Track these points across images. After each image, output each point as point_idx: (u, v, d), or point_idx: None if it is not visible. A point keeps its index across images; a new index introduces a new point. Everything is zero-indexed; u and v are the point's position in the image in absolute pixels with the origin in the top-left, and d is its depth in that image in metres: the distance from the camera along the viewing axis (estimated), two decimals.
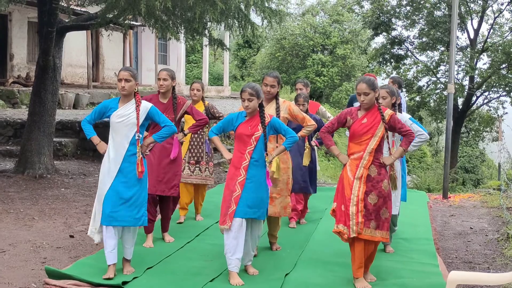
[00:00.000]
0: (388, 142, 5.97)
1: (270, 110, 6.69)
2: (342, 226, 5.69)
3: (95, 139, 5.95)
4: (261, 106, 5.99)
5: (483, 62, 26.37)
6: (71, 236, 7.27)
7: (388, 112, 5.78)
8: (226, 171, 12.65)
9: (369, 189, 5.68)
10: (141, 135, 5.84)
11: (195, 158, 8.19)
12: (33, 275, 5.80)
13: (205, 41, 13.62)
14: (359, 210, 5.63)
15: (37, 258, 6.38)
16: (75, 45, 22.36)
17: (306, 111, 7.98)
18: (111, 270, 5.73)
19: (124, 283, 5.53)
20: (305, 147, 7.95)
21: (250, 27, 11.11)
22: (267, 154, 5.99)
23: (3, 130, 14.46)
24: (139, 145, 5.82)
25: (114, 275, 5.72)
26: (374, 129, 5.71)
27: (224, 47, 13.24)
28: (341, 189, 5.79)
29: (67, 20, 12.74)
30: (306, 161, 8.06)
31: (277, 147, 6.44)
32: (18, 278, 5.69)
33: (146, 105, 5.92)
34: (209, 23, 11.33)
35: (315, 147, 8.33)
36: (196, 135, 8.14)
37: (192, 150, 8.18)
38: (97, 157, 12.99)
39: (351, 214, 5.64)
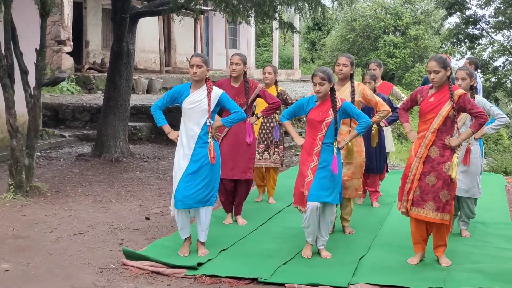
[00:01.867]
0: (457, 125, 5.80)
1: (344, 93, 6.64)
2: (399, 203, 5.86)
3: (166, 128, 6.06)
4: (332, 90, 5.95)
5: None
6: (147, 218, 7.43)
7: (458, 92, 5.65)
8: (297, 155, 12.66)
9: (428, 170, 5.66)
10: (212, 121, 5.90)
11: (265, 142, 8.23)
12: (111, 255, 5.97)
13: (275, 24, 13.59)
14: (412, 188, 5.69)
15: (114, 239, 6.55)
16: (147, 31, 22.71)
17: (374, 91, 7.88)
18: (186, 247, 5.92)
19: (199, 264, 5.62)
20: (373, 128, 7.86)
21: (320, 9, 11.02)
22: (337, 141, 5.95)
23: (80, 115, 14.89)
24: (211, 131, 5.88)
25: (189, 252, 5.90)
26: (439, 108, 5.62)
27: (294, 30, 13.16)
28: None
29: (139, 6, 12.97)
30: (374, 142, 7.98)
31: (349, 131, 6.39)
32: (97, 258, 5.86)
33: (217, 92, 5.97)
34: (279, 6, 11.30)
35: (384, 127, 8.25)
36: (266, 119, 8.16)
37: (262, 134, 8.22)
38: (170, 140, 13.17)
39: (405, 191, 5.76)
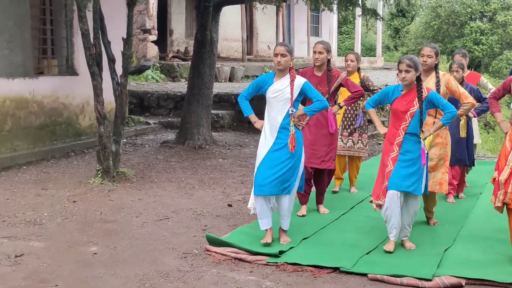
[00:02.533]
0: None
1: (429, 83, 6.48)
2: (493, 197, 5.57)
3: (252, 117, 6.10)
4: (418, 79, 5.82)
5: None
6: (229, 205, 7.51)
7: None
8: (379, 144, 12.48)
9: None
10: (294, 110, 5.88)
11: (348, 130, 8.15)
12: (194, 241, 6.06)
13: (358, 11, 13.42)
14: (510, 182, 5.41)
15: (198, 225, 6.65)
16: (230, 19, 22.87)
17: (462, 80, 7.65)
18: (268, 235, 5.92)
19: (281, 252, 5.64)
20: (461, 118, 7.63)
21: None
22: (422, 131, 5.82)
23: (164, 103, 15.18)
24: (293, 119, 5.86)
25: (272, 240, 5.90)
26: None
27: (378, 17, 12.95)
28: (498, 159, 5.61)
29: None
30: (463, 133, 7.76)
31: (434, 122, 6.25)
32: (181, 244, 5.97)
33: (300, 80, 5.95)
34: None
35: (473, 118, 8.01)
36: (349, 108, 8.08)
37: (345, 122, 8.15)
38: (252, 128, 13.28)
39: (500, 184, 5.47)
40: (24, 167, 9.38)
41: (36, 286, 4.82)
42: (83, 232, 6.28)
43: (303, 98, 6.08)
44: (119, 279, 5.01)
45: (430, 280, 5.04)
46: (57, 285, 4.83)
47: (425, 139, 5.93)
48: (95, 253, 5.63)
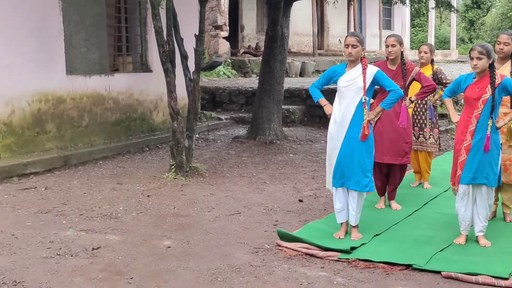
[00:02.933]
0: None
1: (504, 71, 6.31)
2: None
3: (322, 101, 6.08)
4: (491, 66, 5.68)
5: None
6: (300, 201, 7.51)
7: None
8: (453, 138, 12.20)
9: None
10: (367, 98, 5.82)
11: (419, 125, 8.02)
12: (266, 236, 6.10)
13: (432, 3, 13.14)
14: None
15: (269, 220, 6.68)
16: (300, 14, 22.83)
17: None
18: (342, 229, 5.93)
19: (352, 248, 5.60)
20: None
21: None
22: (496, 121, 5.68)
23: (236, 98, 15.31)
24: (366, 108, 5.81)
25: (345, 235, 5.89)
26: None
27: (452, 9, 12.68)
28: None
29: None
30: None
31: (510, 112, 6.07)
32: (252, 238, 6.02)
33: (372, 69, 5.88)
34: None
35: None
36: (419, 102, 7.94)
37: (416, 117, 8.02)
38: (323, 123, 13.25)
39: None
40: (101, 162, 9.64)
41: (112, 278, 4.95)
42: (157, 226, 6.41)
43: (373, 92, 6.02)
44: (191, 272, 5.10)
45: (507, 278, 4.90)
46: (132, 278, 4.95)
47: (499, 128, 5.79)
48: (168, 247, 5.74)
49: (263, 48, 12.67)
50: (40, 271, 5.06)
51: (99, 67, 10.36)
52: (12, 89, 8.85)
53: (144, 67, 11.72)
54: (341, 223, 6.00)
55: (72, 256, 5.44)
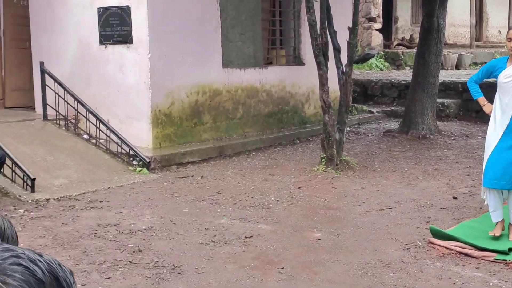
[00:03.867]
0: None
1: None
2: None
3: (481, 100, 5.88)
4: None
5: None
6: (454, 198, 7.27)
7: None
8: None
9: None
10: None
11: None
12: (417, 233, 5.97)
13: None
14: None
15: (421, 217, 6.54)
16: (457, 4, 22.02)
17: None
18: (498, 227, 5.70)
19: (510, 249, 5.35)
20: None
21: None
22: None
23: (388, 91, 15.08)
24: None
25: (501, 233, 5.67)
26: None
27: None
28: None
29: None
30: None
31: None
32: (403, 235, 5.92)
33: None
34: None
35: None
36: None
37: None
38: (480, 118, 12.72)
39: None
40: (253, 153, 9.89)
41: (264, 267, 5.08)
42: (308, 217, 6.48)
43: None
44: (341, 266, 5.11)
45: None
46: (283, 268, 5.05)
47: None
48: (318, 239, 5.78)
49: (417, 40, 12.38)
50: (196, 257, 5.29)
51: (253, 60, 10.62)
52: (172, 82, 9.29)
53: (297, 60, 11.85)
54: (496, 222, 5.75)
55: (226, 243, 5.64)
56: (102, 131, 9.00)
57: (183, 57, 9.43)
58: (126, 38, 9.12)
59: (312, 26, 8.52)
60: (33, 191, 7.30)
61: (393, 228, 6.14)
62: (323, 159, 8.64)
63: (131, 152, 8.74)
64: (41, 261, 0.90)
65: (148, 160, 8.56)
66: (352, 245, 5.62)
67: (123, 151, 8.83)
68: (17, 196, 7.20)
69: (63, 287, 0.91)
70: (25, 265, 0.88)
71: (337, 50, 8.89)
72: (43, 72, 9.30)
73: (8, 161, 7.23)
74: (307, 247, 5.57)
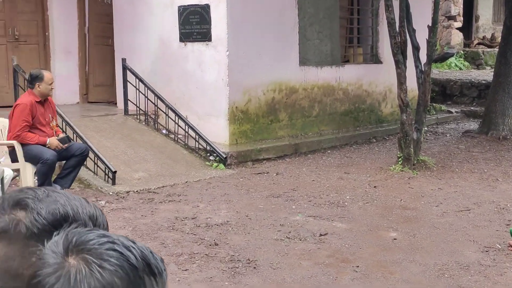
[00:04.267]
0: None
1: None
2: None
3: None
4: None
5: None
6: None
7: None
8: None
9: None
10: None
11: None
12: (497, 235, 5.84)
13: None
14: None
15: (501, 219, 6.38)
16: None
17: None
18: None
19: None
20: None
21: None
22: None
23: (467, 91, 14.75)
24: None
25: None
26: None
27: None
28: None
29: None
30: None
31: None
32: (482, 237, 5.80)
33: None
34: None
35: None
36: None
37: None
38: None
39: None
40: (328, 151, 9.88)
41: (338, 265, 5.09)
42: (383, 217, 6.44)
43: None
44: (418, 266, 5.06)
45: None
46: (358, 266, 5.04)
47: None
48: (394, 239, 5.74)
49: (499, 39, 12.08)
50: (271, 252, 5.34)
51: (330, 58, 10.60)
52: (249, 79, 9.38)
53: (374, 58, 11.75)
54: None
55: (300, 240, 5.68)
56: (180, 127, 9.20)
57: (261, 54, 9.51)
58: (205, 36, 9.27)
59: (391, 24, 8.44)
60: (114, 183, 7.54)
61: (471, 230, 6.03)
62: (400, 159, 8.54)
63: (208, 147, 8.89)
64: (134, 248, 0.95)
65: (224, 156, 8.69)
66: (428, 246, 5.55)
67: (200, 146, 9.00)
68: (99, 188, 7.46)
69: (154, 274, 0.94)
70: (120, 250, 0.93)
71: (416, 48, 8.78)
72: (125, 68, 9.57)
73: (90, 154, 7.48)
74: (383, 246, 5.54)
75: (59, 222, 1.15)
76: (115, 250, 0.92)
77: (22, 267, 1.15)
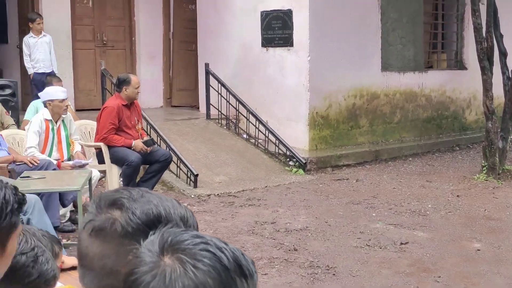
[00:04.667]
0: None
1: None
2: None
3: None
4: None
5: None
6: None
7: None
8: None
9: None
10: None
11: None
12: None
13: None
14: None
15: None
16: None
17: None
18: None
19: None
20: None
21: None
22: None
23: None
24: None
25: None
26: None
27: None
28: None
29: None
30: None
31: None
32: None
33: None
34: None
35: None
36: None
37: None
38: None
39: None
40: (410, 158, 9.72)
41: (419, 274, 5.01)
42: (466, 227, 6.29)
43: None
44: (502, 278, 4.92)
45: None
46: (439, 276, 4.95)
47: None
48: (478, 250, 5.60)
49: None
50: (351, 259, 5.31)
51: (413, 64, 10.44)
52: (330, 84, 9.35)
53: (459, 64, 11.49)
54: None
55: (381, 248, 5.62)
56: (260, 131, 9.26)
57: (342, 59, 9.46)
58: (287, 41, 9.31)
59: (477, 29, 8.24)
60: (195, 186, 7.68)
61: None
62: (484, 168, 8.32)
63: (288, 152, 8.92)
64: (226, 249, 0.97)
65: (304, 161, 8.69)
66: None
67: (280, 151, 9.03)
68: (181, 190, 7.61)
69: (245, 275, 0.97)
70: (213, 251, 0.96)
71: (503, 54, 8.54)
72: (207, 73, 9.73)
73: (173, 157, 7.64)
74: (466, 257, 5.41)
75: (152, 222, 1.20)
76: (208, 250, 0.95)
77: (117, 265, 1.20)
